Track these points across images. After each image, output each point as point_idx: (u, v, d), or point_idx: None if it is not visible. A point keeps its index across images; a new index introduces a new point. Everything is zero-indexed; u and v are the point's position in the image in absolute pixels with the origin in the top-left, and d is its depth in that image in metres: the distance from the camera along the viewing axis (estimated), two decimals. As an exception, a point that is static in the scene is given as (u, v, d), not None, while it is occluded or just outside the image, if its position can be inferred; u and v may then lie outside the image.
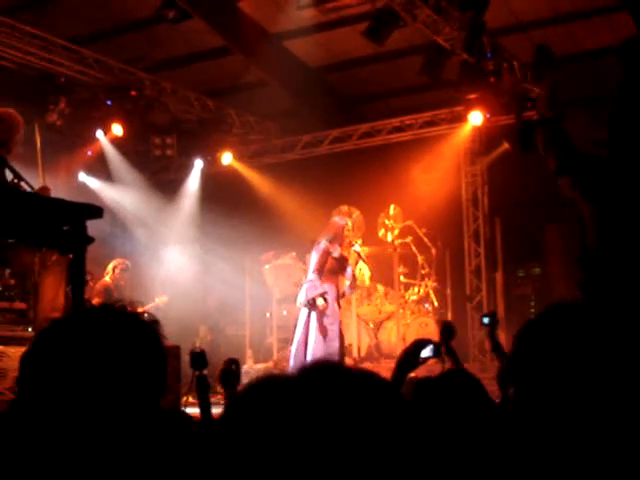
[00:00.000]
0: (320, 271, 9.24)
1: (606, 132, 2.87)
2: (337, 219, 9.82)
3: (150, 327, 1.63)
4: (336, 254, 9.29)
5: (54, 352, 1.56)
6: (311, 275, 9.26)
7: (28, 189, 6.21)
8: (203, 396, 3.64)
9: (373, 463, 1.04)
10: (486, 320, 5.74)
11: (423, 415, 2.56)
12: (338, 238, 9.36)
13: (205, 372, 3.83)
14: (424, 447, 1.13)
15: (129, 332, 1.59)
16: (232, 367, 3.73)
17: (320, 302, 9.04)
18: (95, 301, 10.21)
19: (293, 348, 9.29)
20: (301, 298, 9.25)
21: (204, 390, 3.66)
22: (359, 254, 10.24)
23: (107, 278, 10.75)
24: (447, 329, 5.57)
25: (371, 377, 1.14)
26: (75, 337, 1.57)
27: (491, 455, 2.45)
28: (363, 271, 12.32)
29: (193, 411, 4.38)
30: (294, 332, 9.44)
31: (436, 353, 3.67)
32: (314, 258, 9.34)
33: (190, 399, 7.42)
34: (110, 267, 10.83)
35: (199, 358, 3.79)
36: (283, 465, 1.02)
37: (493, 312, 6.38)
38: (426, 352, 3.60)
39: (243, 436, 1.06)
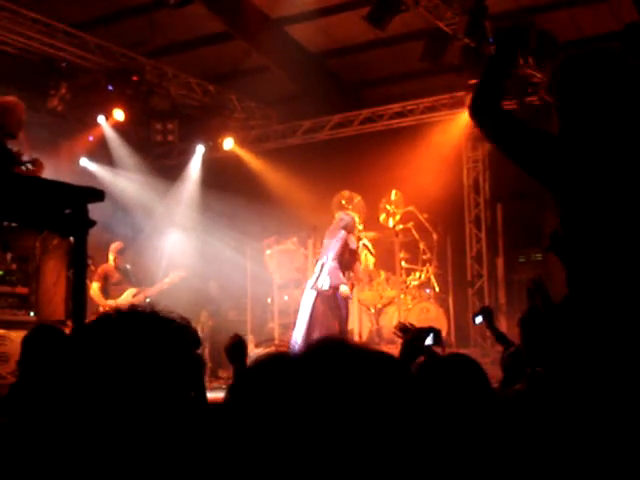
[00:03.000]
0: (340, 260, 9.31)
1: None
2: (343, 214, 9.91)
3: (179, 333, 1.61)
4: (353, 245, 9.40)
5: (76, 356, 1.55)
6: (332, 262, 9.31)
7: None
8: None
9: (383, 440, 1.04)
10: (477, 320, 5.79)
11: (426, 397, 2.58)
12: (352, 231, 9.52)
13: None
14: (433, 425, 1.13)
15: (155, 338, 1.58)
16: (238, 341, 3.75)
17: (344, 289, 9.13)
18: (92, 284, 10.24)
19: (298, 333, 9.34)
20: (324, 282, 9.28)
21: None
22: (367, 247, 10.36)
23: (111, 262, 10.76)
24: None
25: (381, 354, 1.14)
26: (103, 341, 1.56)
27: (490, 436, 2.46)
28: (368, 257, 12.34)
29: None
30: (296, 317, 9.49)
31: (437, 341, 3.69)
32: (334, 246, 9.38)
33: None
34: (110, 253, 10.84)
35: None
36: (292, 443, 1.02)
37: (483, 307, 6.43)
38: (427, 340, 3.63)
39: (252, 414, 1.06)
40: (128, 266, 10.94)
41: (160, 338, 1.56)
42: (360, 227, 12.51)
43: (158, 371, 1.51)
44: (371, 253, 10.96)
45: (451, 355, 3.11)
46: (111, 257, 10.73)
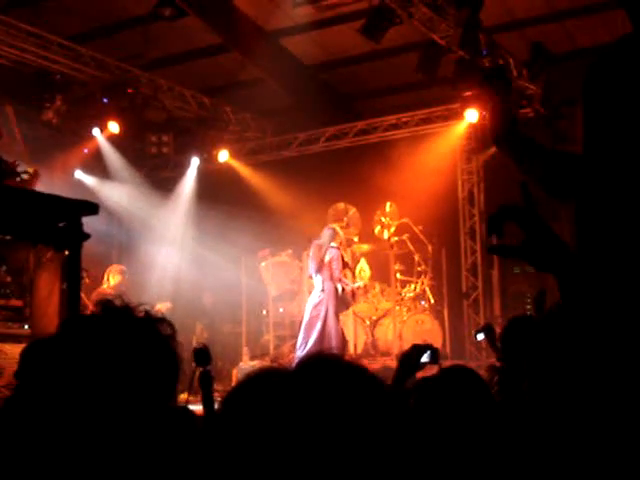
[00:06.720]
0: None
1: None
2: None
3: (158, 330, 1.61)
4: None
5: (65, 353, 1.55)
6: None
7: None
8: (207, 392, 3.63)
9: (368, 456, 1.04)
10: (479, 337, 5.74)
11: (424, 411, 2.58)
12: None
13: (209, 368, 3.83)
14: (420, 442, 1.13)
15: (137, 336, 1.57)
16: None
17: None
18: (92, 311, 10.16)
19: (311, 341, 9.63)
20: None
21: (208, 386, 3.66)
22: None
23: (105, 287, 10.63)
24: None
25: (365, 372, 1.14)
26: (85, 339, 1.55)
27: (490, 447, 2.46)
28: (364, 269, 12.34)
29: (195, 408, 4.38)
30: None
31: (434, 359, 3.62)
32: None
33: (186, 396, 7.32)
34: (108, 275, 10.73)
35: (202, 354, 3.78)
36: (279, 458, 1.03)
37: (485, 325, 6.37)
38: (424, 358, 3.58)
39: (240, 430, 1.06)
40: (123, 287, 10.89)
41: (134, 335, 1.56)
42: (355, 239, 12.54)
43: (135, 370, 1.51)
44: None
45: (450, 368, 3.09)
46: (114, 278, 10.63)
